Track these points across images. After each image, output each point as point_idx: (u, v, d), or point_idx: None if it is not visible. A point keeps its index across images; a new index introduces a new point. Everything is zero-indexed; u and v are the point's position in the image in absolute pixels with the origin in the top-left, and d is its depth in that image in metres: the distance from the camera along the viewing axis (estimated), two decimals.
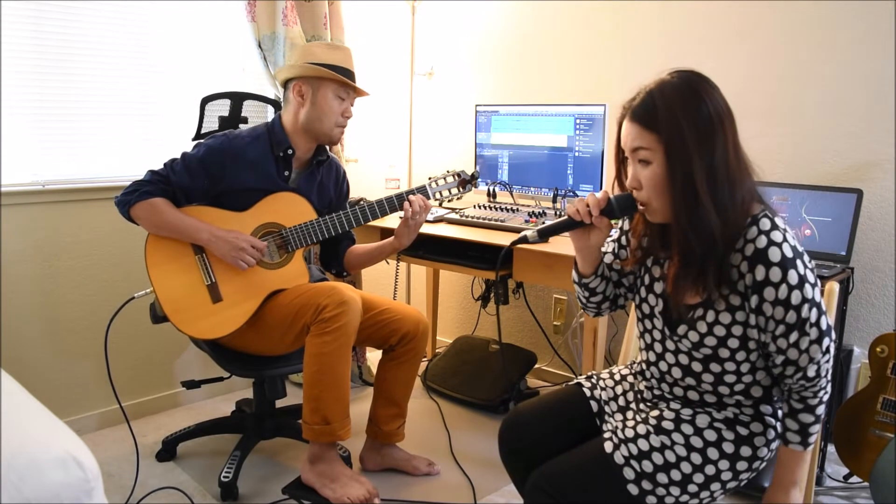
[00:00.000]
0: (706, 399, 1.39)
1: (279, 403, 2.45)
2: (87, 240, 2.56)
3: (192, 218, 2.09)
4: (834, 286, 1.65)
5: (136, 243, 2.60)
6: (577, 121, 2.66)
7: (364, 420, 2.34)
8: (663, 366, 1.42)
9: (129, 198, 2.08)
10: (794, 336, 1.26)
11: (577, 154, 2.68)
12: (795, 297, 1.23)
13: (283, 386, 2.33)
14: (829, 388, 1.31)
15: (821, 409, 1.30)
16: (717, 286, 1.29)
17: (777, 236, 1.24)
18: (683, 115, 1.26)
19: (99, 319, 2.57)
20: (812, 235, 2.25)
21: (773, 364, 1.31)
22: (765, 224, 1.25)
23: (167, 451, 2.40)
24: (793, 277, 1.23)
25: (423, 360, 3.05)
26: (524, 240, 1.44)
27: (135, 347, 2.71)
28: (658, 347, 1.43)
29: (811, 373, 1.27)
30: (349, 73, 2.15)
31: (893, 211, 2.26)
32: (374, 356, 2.81)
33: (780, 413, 1.38)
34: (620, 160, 1.40)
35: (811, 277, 1.26)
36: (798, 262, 1.24)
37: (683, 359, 1.39)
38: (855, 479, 2.24)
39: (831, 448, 2.23)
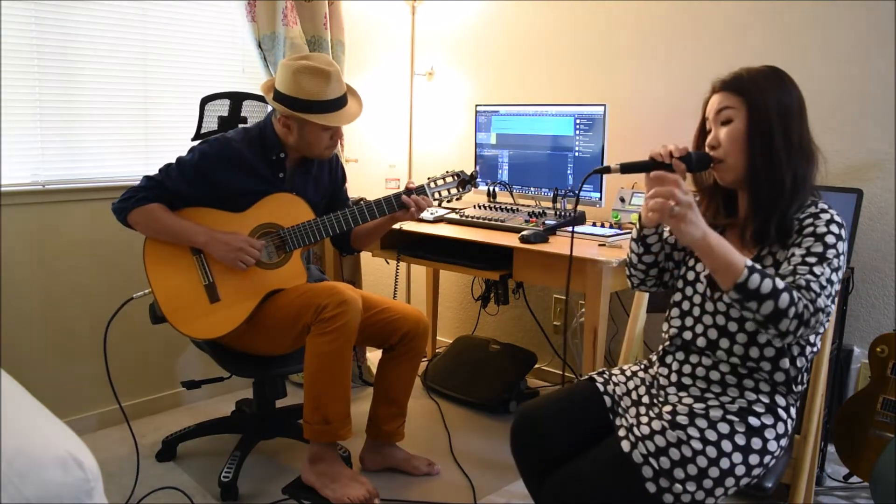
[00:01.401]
0: (727, 380, 1.41)
1: (279, 403, 2.45)
2: (87, 240, 2.56)
3: (189, 221, 2.09)
4: None
5: (135, 243, 2.59)
6: (577, 121, 2.66)
7: (364, 420, 2.33)
8: (699, 328, 1.46)
9: (126, 204, 2.08)
10: (812, 259, 1.32)
11: (577, 154, 2.68)
12: (829, 238, 1.34)
13: (284, 386, 2.34)
14: (818, 330, 1.31)
15: (785, 300, 1.21)
16: (775, 241, 1.39)
17: (832, 211, 1.39)
18: (769, 88, 1.42)
19: (99, 319, 2.57)
20: None
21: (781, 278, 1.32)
22: (823, 206, 1.40)
23: (167, 451, 2.40)
24: (834, 228, 1.35)
25: (423, 360, 3.05)
26: (607, 170, 1.49)
27: (135, 347, 2.71)
28: (696, 311, 1.48)
29: (814, 286, 1.28)
30: (333, 104, 2.07)
31: (893, 211, 2.26)
32: (374, 356, 2.81)
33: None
34: (701, 136, 1.51)
35: (843, 246, 1.35)
36: (842, 231, 1.36)
37: (720, 319, 1.43)
38: (855, 479, 2.24)
39: (831, 448, 2.23)
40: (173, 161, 2.13)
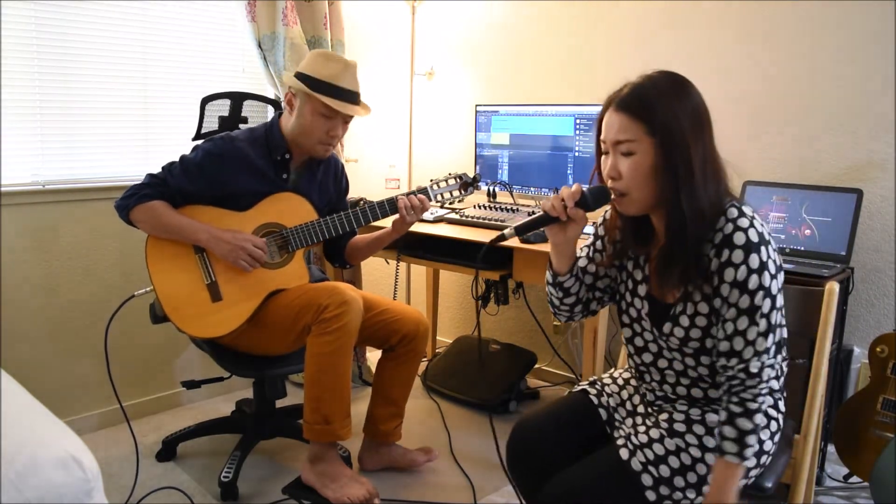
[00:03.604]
0: (710, 395, 1.39)
1: (279, 403, 2.45)
2: (87, 240, 2.57)
3: (191, 219, 2.09)
4: (834, 286, 1.65)
5: (135, 243, 2.60)
6: (577, 121, 2.66)
7: (364, 420, 2.34)
8: (662, 363, 1.42)
9: (128, 202, 2.08)
10: (742, 322, 1.24)
11: (577, 154, 2.68)
12: (752, 282, 1.23)
13: (284, 386, 2.33)
14: (768, 400, 1.28)
15: (759, 418, 1.25)
16: (695, 276, 1.29)
17: (743, 222, 1.25)
18: (677, 105, 1.27)
19: (99, 319, 2.57)
20: (812, 235, 2.25)
21: (718, 353, 1.29)
22: (732, 213, 1.27)
23: (167, 451, 2.40)
24: (754, 261, 1.23)
25: (423, 360, 3.05)
26: (502, 238, 1.42)
27: (135, 347, 2.71)
28: (653, 347, 1.43)
29: (753, 368, 1.24)
30: (342, 91, 2.07)
31: (893, 211, 2.26)
32: (374, 356, 2.80)
33: (719, 420, 1.29)
34: (600, 155, 1.39)
35: (773, 267, 1.25)
36: (762, 247, 1.24)
37: (677, 356, 1.39)
38: (855, 479, 2.24)
39: (831, 448, 2.23)
40: (177, 159, 2.13)
